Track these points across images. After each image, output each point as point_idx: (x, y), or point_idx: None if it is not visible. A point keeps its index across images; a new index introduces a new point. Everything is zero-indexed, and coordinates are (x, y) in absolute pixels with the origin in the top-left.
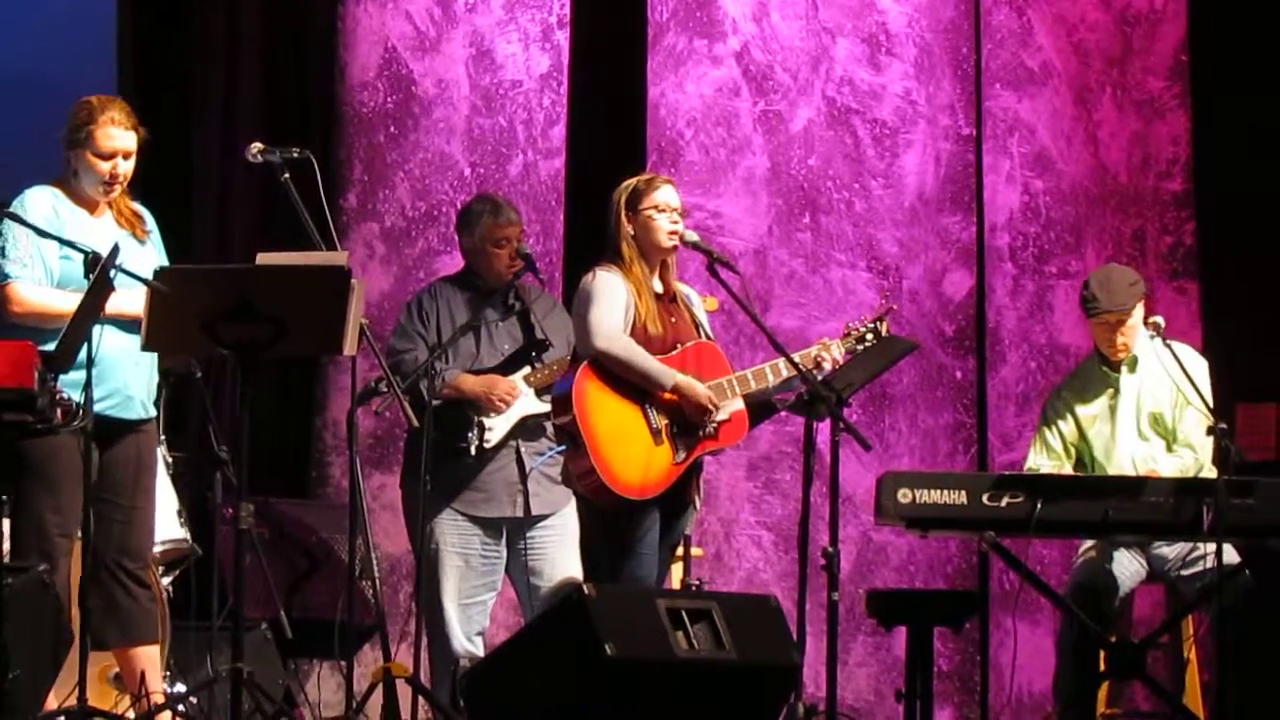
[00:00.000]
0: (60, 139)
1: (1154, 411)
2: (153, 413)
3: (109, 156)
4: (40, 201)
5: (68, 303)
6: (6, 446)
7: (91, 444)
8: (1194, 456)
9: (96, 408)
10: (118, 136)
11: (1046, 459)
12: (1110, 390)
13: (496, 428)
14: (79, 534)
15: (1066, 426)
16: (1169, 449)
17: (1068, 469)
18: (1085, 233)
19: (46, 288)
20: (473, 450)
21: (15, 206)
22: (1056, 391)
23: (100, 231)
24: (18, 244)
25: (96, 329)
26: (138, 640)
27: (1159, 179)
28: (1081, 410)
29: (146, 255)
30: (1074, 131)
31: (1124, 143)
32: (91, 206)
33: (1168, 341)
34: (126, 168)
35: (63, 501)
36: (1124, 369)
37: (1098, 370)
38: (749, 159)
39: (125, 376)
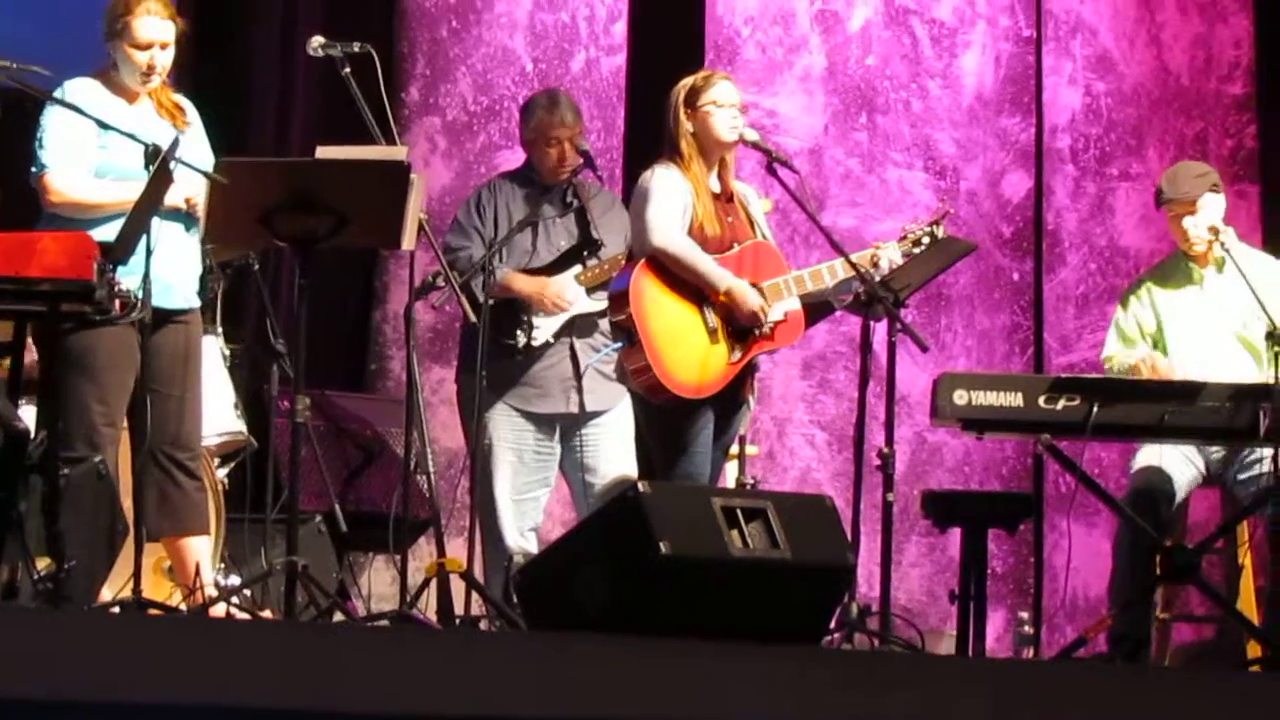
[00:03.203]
0: (100, 31)
1: (1239, 316)
2: (195, 303)
3: (146, 47)
4: (81, 91)
5: (104, 193)
6: (51, 338)
7: (148, 335)
8: None
9: None
10: (155, 27)
11: (1120, 346)
12: (1194, 287)
13: (545, 326)
14: (126, 424)
15: (1142, 308)
16: (1259, 364)
17: (1141, 348)
18: (1147, 135)
19: (84, 177)
20: (519, 347)
21: (56, 95)
22: (1138, 278)
23: (139, 121)
24: (55, 133)
25: None
26: (186, 530)
27: (1221, 82)
28: (1160, 293)
29: (185, 146)
30: (1136, 33)
31: (1186, 45)
32: (131, 97)
33: (1226, 247)
34: (165, 58)
35: (106, 391)
36: (1211, 269)
37: (1181, 264)
38: (805, 58)
39: (165, 265)
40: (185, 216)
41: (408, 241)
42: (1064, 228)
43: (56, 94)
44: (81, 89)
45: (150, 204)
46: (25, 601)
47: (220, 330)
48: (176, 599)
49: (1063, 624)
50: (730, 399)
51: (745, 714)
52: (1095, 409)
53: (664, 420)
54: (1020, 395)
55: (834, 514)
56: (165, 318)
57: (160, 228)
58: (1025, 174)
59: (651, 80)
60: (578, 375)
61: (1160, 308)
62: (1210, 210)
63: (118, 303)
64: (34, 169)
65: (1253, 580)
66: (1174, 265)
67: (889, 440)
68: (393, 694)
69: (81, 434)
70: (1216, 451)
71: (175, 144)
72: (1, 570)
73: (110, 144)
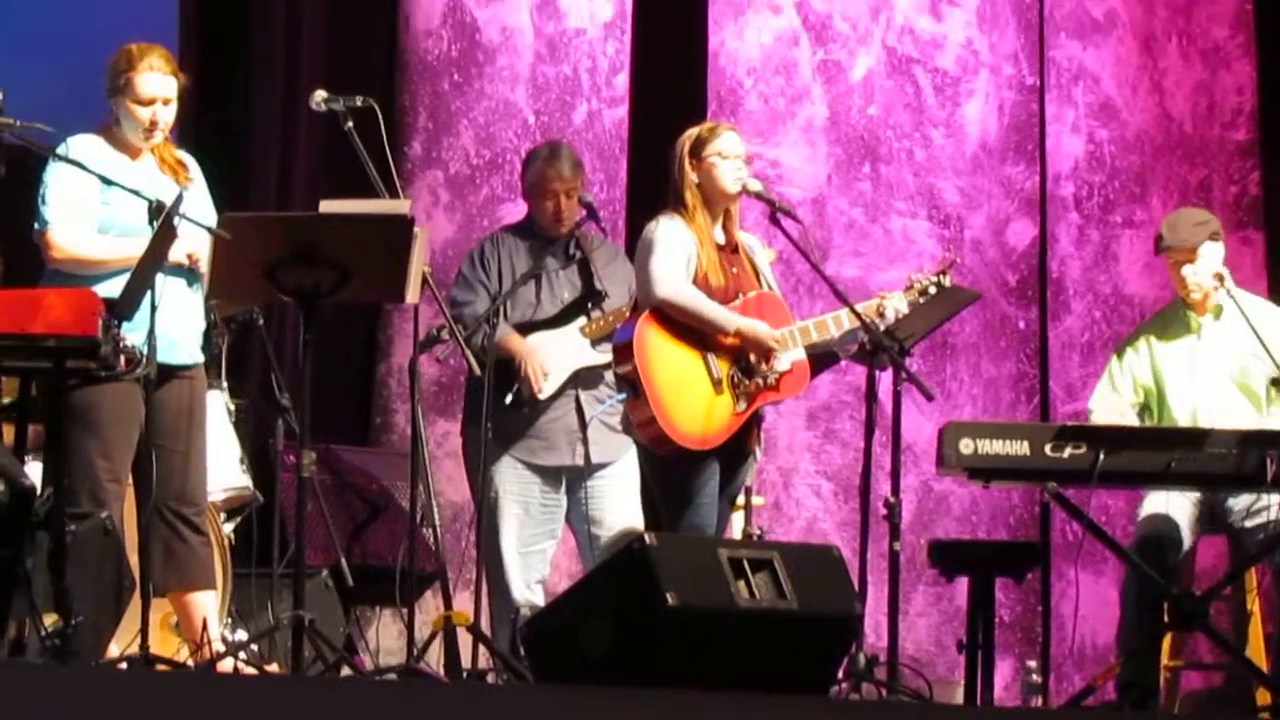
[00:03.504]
0: (104, 88)
1: (1238, 363)
2: (199, 358)
3: (148, 103)
4: (83, 147)
5: (107, 249)
6: (56, 394)
7: (152, 391)
8: None
9: None
10: (157, 82)
11: (1108, 394)
12: (1192, 335)
13: (550, 379)
14: (130, 479)
15: (1139, 361)
16: (1259, 410)
17: (1129, 413)
18: (1150, 182)
19: (87, 234)
20: (508, 399)
21: (59, 152)
22: (1136, 328)
23: (141, 177)
24: (58, 190)
25: None
26: (192, 585)
27: (1224, 128)
28: (1159, 346)
29: (188, 202)
30: (1139, 80)
31: (1189, 92)
32: (134, 153)
33: (1232, 292)
34: (167, 114)
35: (111, 447)
36: (1209, 316)
37: (1180, 313)
38: (808, 108)
39: (169, 321)
40: (189, 272)
41: (412, 295)
42: (1068, 275)
43: (59, 150)
44: (84, 145)
45: (154, 260)
46: (32, 657)
47: (225, 385)
48: (183, 654)
49: (1071, 672)
50: (736, 450)
51: None
52: (1101, 456)
53: (670, 471)
54: (1026, 443)
55: (841, 564)
56: (170, 373)
57: (164, 283)
58: (1030, 222)
59: (654, 132)
60: (583, 427)
61: (1159, 360)
62: (1210, 258)
63: (122, 359)
64: (37, 225)
65: (1261, 627)
66: (1172, 314)
67: (895, 489)
68: None
69: (86, 490)
70: (1224, 496)
71: (179, 200)
72: (9, 626)
73: (113, 200)
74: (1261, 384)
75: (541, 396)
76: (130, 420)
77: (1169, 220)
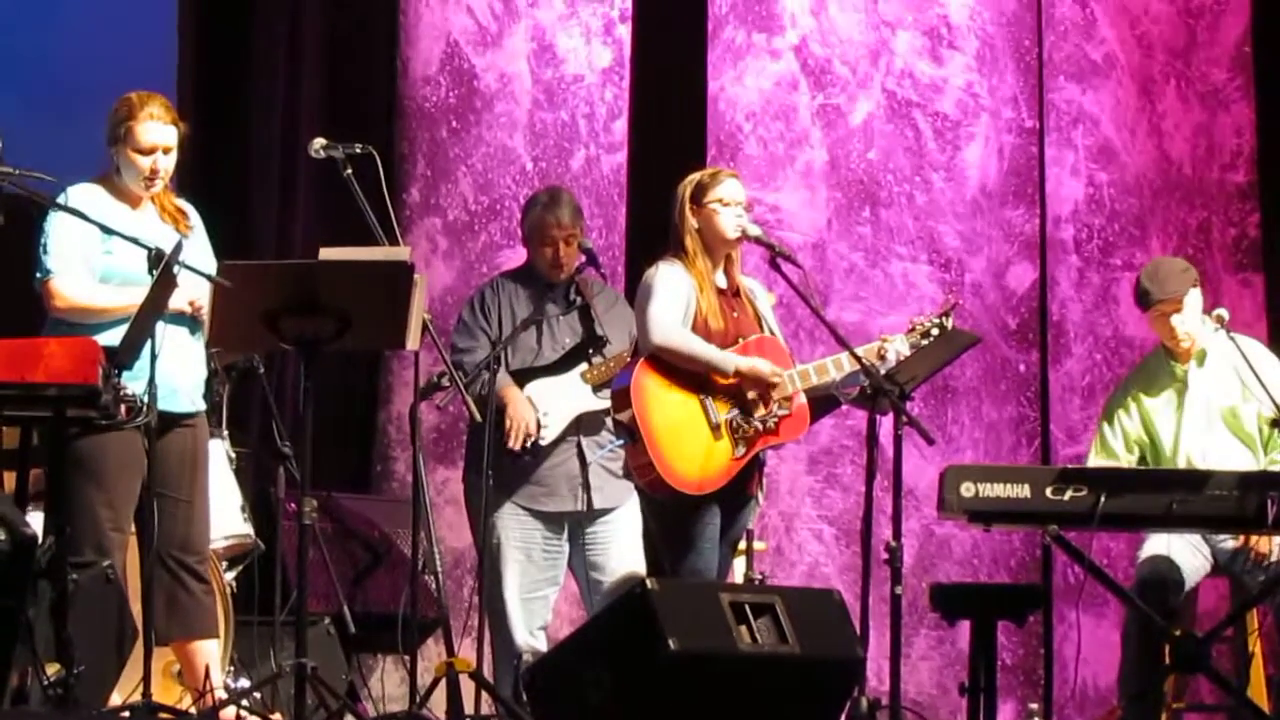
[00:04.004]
0: (103, 136)
1: (1227, 407)
2: (201, 406)
3: (149, 151)
4: (84, 196)
5: (108, 298)
6: (57, 443)
7: (154, 440)
8: None
9: None
10: (157, 131)
11: (1103, 459)
12: (1178, 385)
13: (551, 425)
14: (133, 528)
15: (1130, 421)
16: (1254, 453)
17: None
18: (1150, 225)
19: (88, 283)
20: (510, 444)
21: (59, 201)
22: (1122, 385)
23: (141, 226)
24: (59, 239)
25: None
26: (196, 634)
27: (1223, 171)
28: (1149, 402)
29: (187, 250)
30: (1138, 123)
31: (1188, 134)
32: (134, 202)
33: (1232, 334)
34: (167, 163)
35: (114, 496)
36: (1193, 363)
37: (1164, 364)
38: (807, 152)
39: (170, 369)
40: (190, 320)
41: (412, 342)
42: (1069, 318)
43: (59, 199)
44: (84, 194)
45: (154, 308)
46: (35, 706)
47: (226, 433)
48: (186, 702)
49: (1073, 715)
50: (737, 494)
51: None
52: (1102, 499)
53: (670, 516)
54: (1027, 487)
55: (842, 608)
56: (171, 421)
57: (165, 332)
58: (1030, 265)
59: (653, 177)
60: (585, 473)
61: (1149, 414)
62: (1194, 306)
63: (123, 407)
64: (38, 274)
65: (1263, 668)
66: (1156, 366)
67: (896, 533)
68: None
69: (89, 539)
70: (1224, 540)
71: (178, 248)
72: (11, 676)
73: (114, 249)
74: (1253, 425)
75: (543, 443)
76: (133, 469)
77: (1150, 273)
